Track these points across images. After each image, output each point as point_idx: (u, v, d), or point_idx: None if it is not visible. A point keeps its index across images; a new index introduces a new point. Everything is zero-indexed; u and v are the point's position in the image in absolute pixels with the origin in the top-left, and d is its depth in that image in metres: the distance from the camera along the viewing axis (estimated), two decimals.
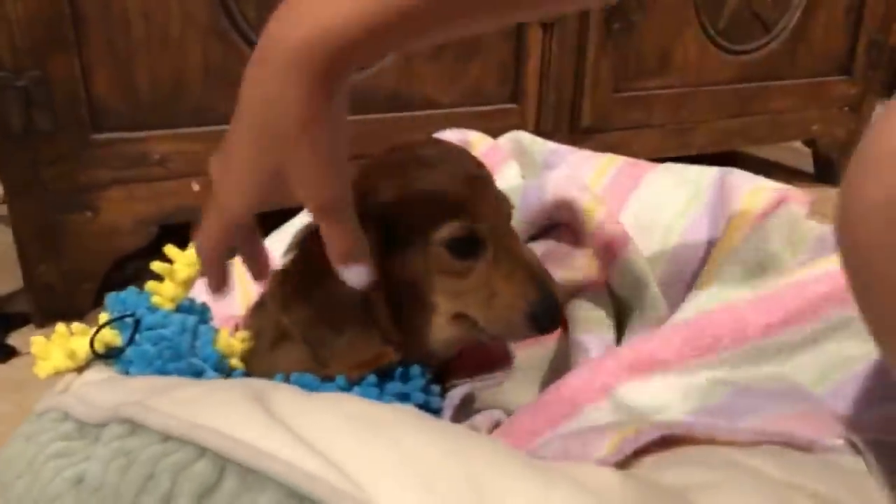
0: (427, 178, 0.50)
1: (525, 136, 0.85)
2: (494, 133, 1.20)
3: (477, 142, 0.83)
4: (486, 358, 0.57)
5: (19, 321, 0.97)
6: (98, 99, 0.90)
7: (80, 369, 0.57)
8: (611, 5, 1.20)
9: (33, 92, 0.85)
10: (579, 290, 0.65)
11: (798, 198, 0.61)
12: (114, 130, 0.92)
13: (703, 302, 0.56)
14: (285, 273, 0.51)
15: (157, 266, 0.57)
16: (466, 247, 0.49)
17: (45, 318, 0.95)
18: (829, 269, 0.51)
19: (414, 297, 0.51)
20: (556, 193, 0.67)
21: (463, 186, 0.50)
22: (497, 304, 0.50)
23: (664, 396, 0.50)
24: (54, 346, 0.57)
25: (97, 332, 0.56)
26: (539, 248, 0.71)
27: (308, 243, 0.51)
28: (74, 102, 0.89)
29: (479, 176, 0.53)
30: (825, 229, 0.58)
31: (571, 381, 0.52)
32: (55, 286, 0.95)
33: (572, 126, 1.27)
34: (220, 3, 0.94)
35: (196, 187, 0.99)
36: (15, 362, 0.88)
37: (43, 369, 0.56)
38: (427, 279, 0.50)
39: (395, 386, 0.49)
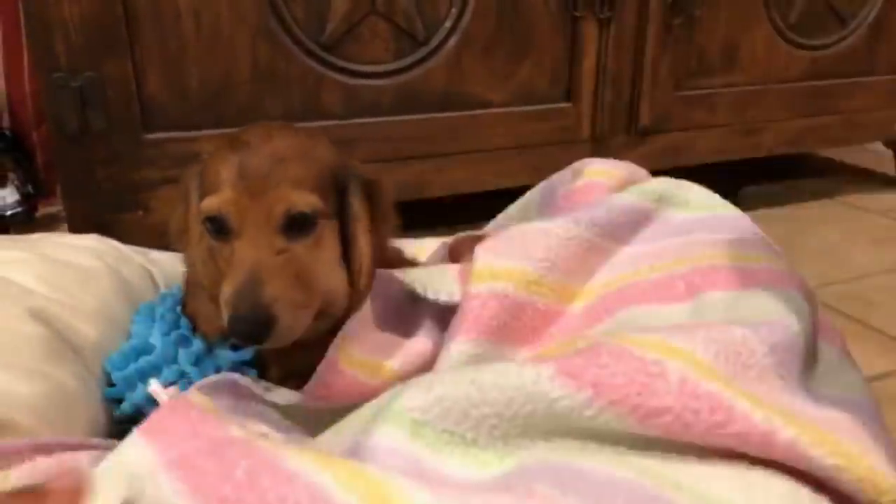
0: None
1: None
2: (547, 133, 1.17)
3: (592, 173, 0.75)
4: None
5: None
6: (150, 99, 0.92)
7: None
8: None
9: (88, 92, 0.87)
10: None
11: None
12: (165, 130, 0.93)
13: None
14: None
15: None
16: (219, 226, 0.54)
17: None
18: None
19: None
20: None
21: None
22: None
23: None
24: None
25: None
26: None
27: None
28: (127, 103, 0.90)
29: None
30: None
31: None
32: None
33: (630, 127, 1.22)
34: (269, 3, 0.94)
35: None
36: None
37: None
38: None
39: (226, 354, 0.56)
